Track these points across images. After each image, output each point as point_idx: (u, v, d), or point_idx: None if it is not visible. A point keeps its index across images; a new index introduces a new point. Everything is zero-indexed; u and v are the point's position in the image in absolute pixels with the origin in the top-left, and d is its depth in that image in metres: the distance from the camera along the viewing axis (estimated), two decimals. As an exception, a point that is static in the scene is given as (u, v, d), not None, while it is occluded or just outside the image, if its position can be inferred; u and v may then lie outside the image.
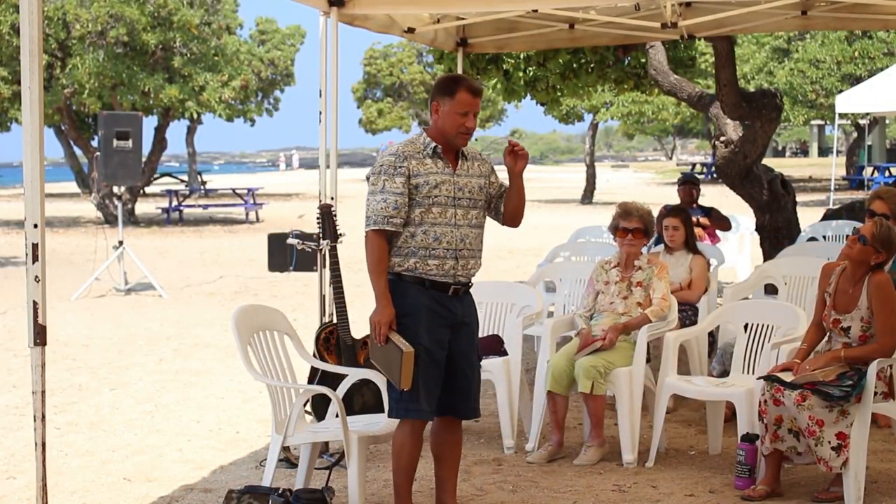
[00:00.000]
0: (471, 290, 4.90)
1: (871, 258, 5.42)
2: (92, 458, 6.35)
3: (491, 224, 4.98)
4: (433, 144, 4.75)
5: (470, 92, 4.70)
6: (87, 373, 8.87)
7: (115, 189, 17.56)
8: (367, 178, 4.83)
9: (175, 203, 28.03)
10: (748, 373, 6.19)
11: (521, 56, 12.10)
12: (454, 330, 4.79)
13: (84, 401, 7.87)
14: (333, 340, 6.11)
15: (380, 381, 5.26)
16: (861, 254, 5.42)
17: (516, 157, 4.81)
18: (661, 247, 7.93)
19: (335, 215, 6.30)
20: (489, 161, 4.96)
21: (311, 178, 56.74)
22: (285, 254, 16.04)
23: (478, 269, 4.88)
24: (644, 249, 6.75)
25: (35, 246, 3.91)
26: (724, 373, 6.84)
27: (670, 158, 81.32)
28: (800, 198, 12.74)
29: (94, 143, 25.96)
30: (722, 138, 10.83)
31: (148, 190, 35.37)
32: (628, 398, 6.10)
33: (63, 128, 28.77)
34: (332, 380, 5.62)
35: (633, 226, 6.56)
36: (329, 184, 6.77)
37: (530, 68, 12.34)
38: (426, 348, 4.68)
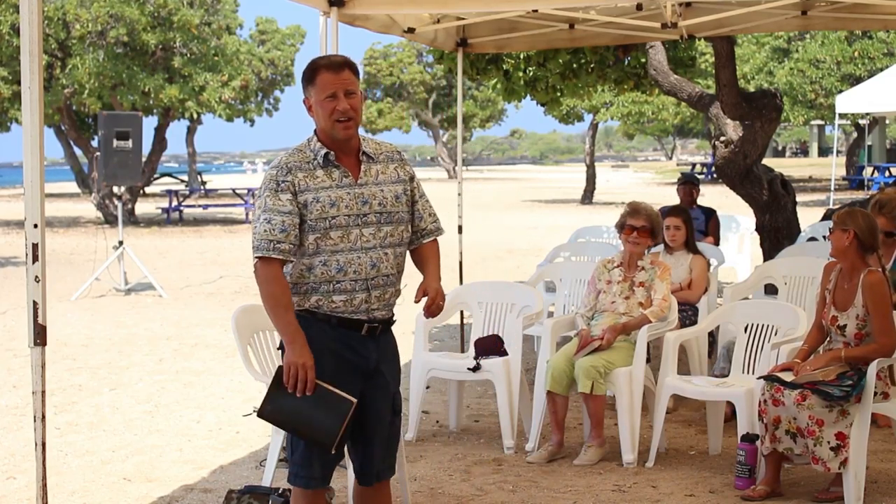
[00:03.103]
0: (392, 329, 4.00)
1: (846, 241, 5.45)
2: (92, 458, 6.35)
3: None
4: (324, 151, 3.84)
5: (330, 70, 3.82)
6: (87, 373, 8.87)
7: (115, 189, 17.57)
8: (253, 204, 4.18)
9: (175, 203, 28.05)
10: (748, 373, 6.19)
11: (521, 56, 12.10)
12: (367, 378, 3.91)
13: (84, 401, 7.87)
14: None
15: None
16: (839, 240, 5.47)
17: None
18: (660, 247, 7.92)
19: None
20: (405, 159, 4.04)
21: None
22: (285, 254, 16.02)
23: (397, 297, 3.99)
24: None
25: (35, 246, 3.91)
26: (725, 370, 6.82)
27: (670, 158, 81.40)
28: (800, 198, 12.74)
29: (94, 143, 25.98)
30: (722, 138, 10.82)
31: (148, 190, 35.41)
32: (628, 398, 6.10)
33: (63, 128, 28.78)
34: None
35: (639, 224, 6.56)
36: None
37: (530, 68, 12.34)
38: None
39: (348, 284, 3.82)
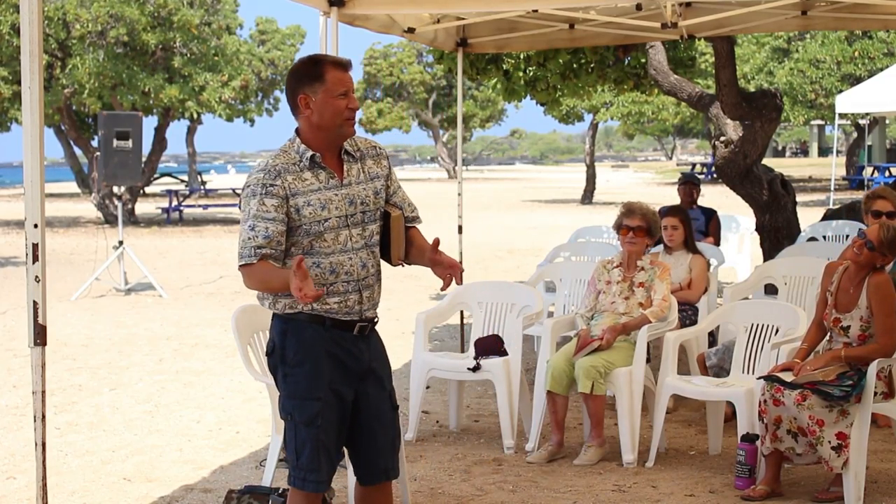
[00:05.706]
0: (376, 328, 3.99)
1: (877, 262, 5.46)
2: (92, 458, 6.35)
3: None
4: (309, 153, 3.78)
5: (339, 68, 3.80)
6: (87, 373, 8.87)
7: (115, 189, 17.56)
8: (238, 205, 3.86)
9: (175, 203, 28.04)
10: (748, 373, 6.19)
11: (521, 56, 12.10)
12: (361, 379, 3.89)
13: (84, 401, 7.87)
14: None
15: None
16: (868, 259, 5.44)
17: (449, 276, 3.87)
18: (660, 247, 7.92)
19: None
20: (385, 153, 4.01)
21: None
22: (285, 254, 16.01)
23: (379, 297, 3.98)
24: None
25: (35, 246, 3.91)
26: (720, 368, 6.77)
27: (670, 158, 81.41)
28: (800, 198, 12.74)
29: (94, 143, 25.96)
30: (722, 138, 10.82)
31: (148, 190, 35.41)
32: (628, 398, 6.10)
33: (63, 128, 28.77)
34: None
35: (635, 224, 6.56)
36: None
37: (530, 68, 12.35)
38: (328, 403, 3.81)
39: (341, 286, 3.81)
